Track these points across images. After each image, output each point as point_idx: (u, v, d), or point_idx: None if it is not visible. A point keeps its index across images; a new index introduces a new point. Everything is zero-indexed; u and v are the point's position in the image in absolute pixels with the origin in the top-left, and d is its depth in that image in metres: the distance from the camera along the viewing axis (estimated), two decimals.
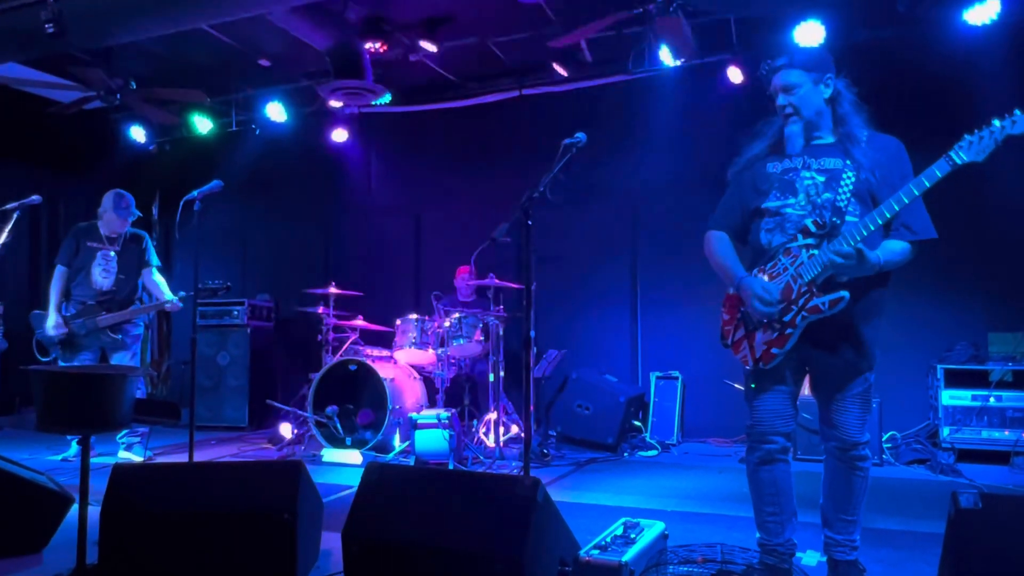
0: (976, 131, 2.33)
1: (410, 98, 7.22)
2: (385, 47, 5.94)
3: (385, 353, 5.89)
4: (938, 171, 2.36)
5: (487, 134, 7.16)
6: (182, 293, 5.22)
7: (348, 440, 5.46)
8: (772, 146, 2.74)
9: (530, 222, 3.02)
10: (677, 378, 6.16)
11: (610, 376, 6.15)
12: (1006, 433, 4.95)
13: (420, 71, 6.69)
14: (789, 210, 2.62)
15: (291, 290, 7.35)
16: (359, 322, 6.18)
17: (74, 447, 5.38)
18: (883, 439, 5.16)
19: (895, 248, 2.52)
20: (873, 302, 2.60)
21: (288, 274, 7.75)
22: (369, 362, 5.48)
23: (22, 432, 6.72)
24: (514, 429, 5.68)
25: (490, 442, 5.44)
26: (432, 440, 4.87)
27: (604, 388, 5.88)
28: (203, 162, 7.36)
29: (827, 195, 2.57)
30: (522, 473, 2.95)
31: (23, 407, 7.22)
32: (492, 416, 5.48)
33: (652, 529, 2.56)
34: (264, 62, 6.84)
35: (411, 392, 5.71)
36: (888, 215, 2.42)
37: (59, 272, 5.29)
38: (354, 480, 2.93)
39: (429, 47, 6.07)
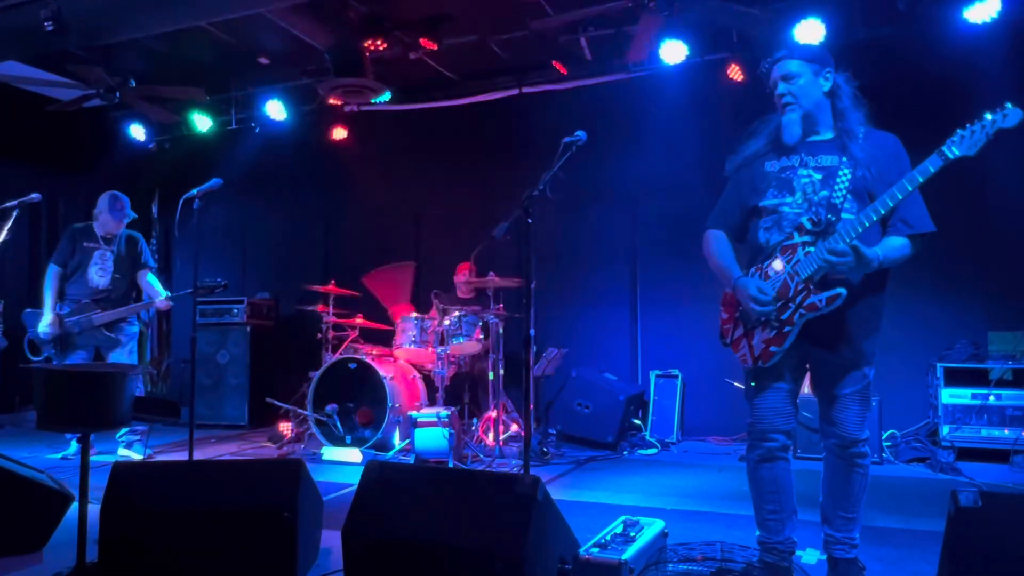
0: (968, 125, 2.34)
1: (410, 96, 7.21)
2: (385, 45, 5.93)
3: (385, 351, 5.90)
4: (931, 166, 2.36)
5: (487, 132, 7.15)
6: (168, 293, 5.34)
7: (348, 438, 5.46)
8: (769, 144, 2.73)
9: (530, 220, 3.02)
10: (677, 376, 6.17)
11: (610, 374, 6.16)
12: (1006, 431, 4.95)
13: (420, 69, 6.68)
14: (786, 208, 2.62)
15: (291, 288, 7.35)
16: (359, 320, 6.18)
17: (74, 445, 5.38)
18: (883, 437, 5.16)
19: (894, 244, 2.52)
20: (872, 299, 2.60)
21: (288, 272, 7.75)
22: (369, 360, 5.49)
23: (22, 430, 6.73)
24: (514, 427, 5.69)
25: (490, 440, 5.44)
26: (432, 438, 4.87)
27: (604, 386, 5.88)
28: (203, 160, 7.37)
29: (824, 192, 2.57)
30: (522, 471, 2.95)
31: (23, 405, 7.21)
32: (492, 414, 5.48)
33: (652, 527, 2.56)
34: (264, 60, 6.84)
35: (411, 390, 5.71)
36: (883, 211, 2.43)
37: (53, 272, 5.29)
38: (354, 478, 2.93)
39: (429, 45, 6.06)
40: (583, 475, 4.94)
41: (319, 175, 7.81)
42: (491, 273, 5.63)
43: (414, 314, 5.82)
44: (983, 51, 5.22)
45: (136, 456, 5.29)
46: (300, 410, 5.74)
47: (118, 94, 6.42)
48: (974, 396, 5.04)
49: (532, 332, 3.16)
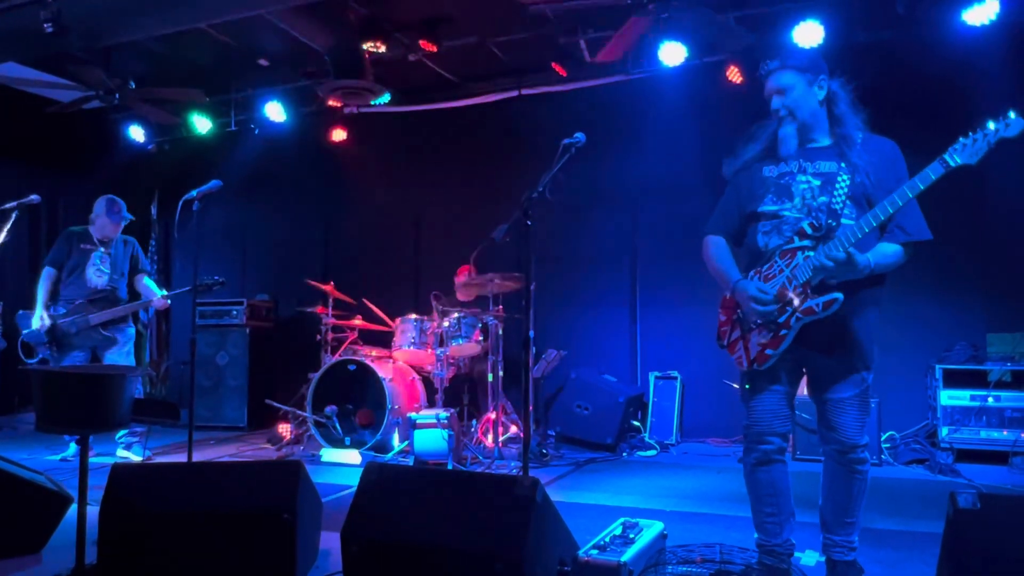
0: (971, 133, 2.34)
1: (409, 98, 7.22)
2: (384, 47, 5.94)
3: (384, 353, 5.90)
4: (932, 173, 2.36)
5: (486, 134, 7.16)
6: (165, 292, 5.40)
7: (347, 440, 5.46)
8: (767, 149, 2.73)
9: (529, 222, 3.02)
10: (676, 378, 6.17)
11: (609, 376, 6.16)
12: (1004, 433, 4.95)
13: (419, 71, 6.69)
14: (786, 213, 2.63)
15: (290, 290, 7.35)
16: (358, 322, 6.18)
17: (72, 447, 5.38)
18: (882, 439, 5.16)
19: (887, 251, 2.53)
20: (869, 303, 2.60)
21: (287, 274, 7.74)
22: (368, 362, 5.48)
23: (21, 432, 6.73)
24: (513, 429, 5.68)
25: (489, 442, 5.43)
26: (431, 440, 4.87)
27: (603, 388, 5.88)
28: (202, 162, 7.37)
29: (823, 199, 2.57)
30: (521, 473, 2.96)
31: (22, 407, 7.21)
32: (491, 416, 5.48)
33: (651, 529, 2.56)
34: (263, 62, 6.84)
35: (410, 392, 5.72)
36: (882, 217, 2.43)
37: (48, 273, 5.31)
38: (353, 480, 2.93)
39: (428, 47, 6.06)
40: (582, 477, 4.94)
41: (319, 177, 7.81)
42: (491, 275, 5.63)
43: (413, 316, 5.82)
44: (982, 53, 5.23)
45: (135, 458, 5.29)
46: (299, 412, 5.74)
47: (118, 96, 6.42)
48: (973, 398, 5.04)
49: (531, 333, 3.16)
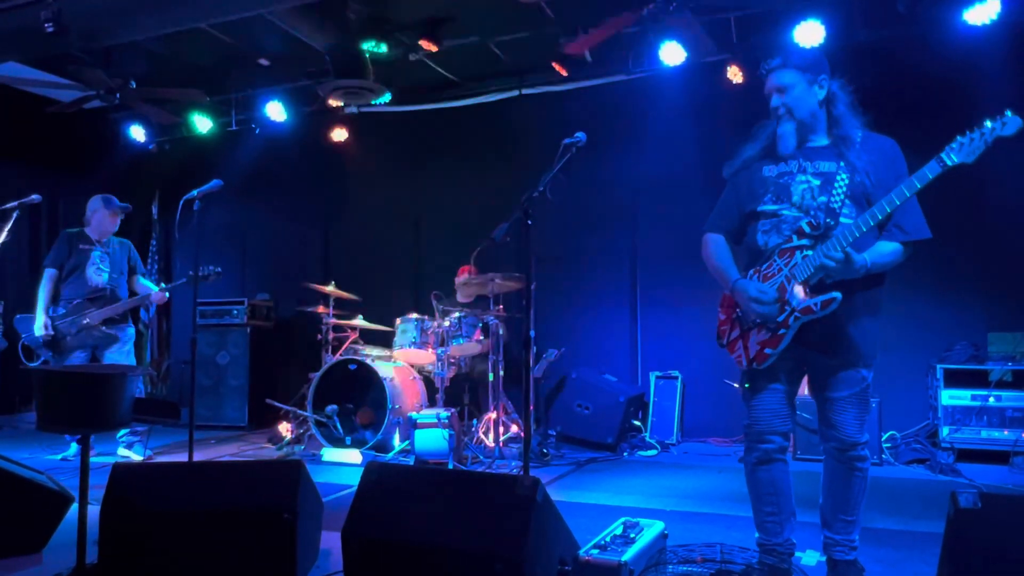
0: (968, 132, 2.34)
1: (410, 97, 7.22)
2: (385, 46, 5.94)
3: (385, 352, 5.89)
4: (929, 172, 2.37)
5: (487, 134, 7.15)
6: (164, 285, 5.44)
7: (348, 439, 5.46)
8: (766, 149, 2.74)
9: (530, 222, 3.02)
10: (677, 378, 6.16)
11: (610, 376, 6.16)
12: (1005, 433, 4.95)
13: (420, 70, 6.69)
14: (785, 212, 2.63)
15: (291, 289, 7.35)
16: (359, 321, 6.18)
17: (73, 447, 5.38)
18: (882, 439, 5.16)
19: (885, 250, 2.53)
20: (868, 302, 2.60)
21: (288, 273, 7.75)
22: (369, 361, 5.48)
23: (22, 431, 6.73)
24: (514, 428, 5.68)
25: (490, 442, 5.44)
26: (432, 439, 4.87)
27: (604, 388, 5.88)
28: (203, 161, 7.37)
29: (822, 198, 2.58)
30: (522, 473, 2.95)
31: (22, 406, 7.22)
32: (492, 416, 5.48)
33: (652, 529, 2.56)
34: (264, 61, 6.84)
35: (411, 391, 5.71)
36: (880, 216, 2.43)
37: (49, 275, 5.31)
38: (354, 479, 2.93)
39: (429, 46, 6.06)
40: (583, 476, 4.94)
41: (319, 176, 7.81)
42: (492, 274, 5.63)
43: (414, 315, 5.82)
44: (983, 52, 5.23)
45: (136, 457, 5.29)
46: (300, 411, 5.74)
47: (118, 95, 6.43)
48: (974, 397, 5.04)
49: (532, 333, 3.16)
